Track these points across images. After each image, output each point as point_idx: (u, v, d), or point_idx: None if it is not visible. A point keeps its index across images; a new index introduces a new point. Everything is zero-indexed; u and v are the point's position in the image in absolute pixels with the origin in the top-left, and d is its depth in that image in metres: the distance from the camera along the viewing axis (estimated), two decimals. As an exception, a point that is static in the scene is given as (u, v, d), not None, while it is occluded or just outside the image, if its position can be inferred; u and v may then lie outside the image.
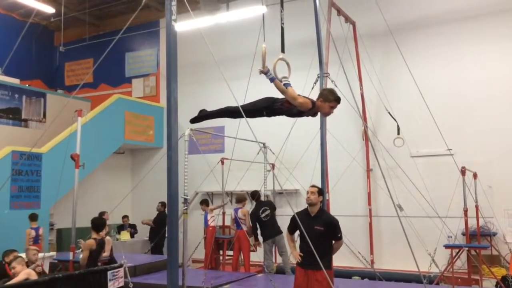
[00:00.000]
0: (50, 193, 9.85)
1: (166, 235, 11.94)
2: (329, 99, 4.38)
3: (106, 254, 7.22)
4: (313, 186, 5.33)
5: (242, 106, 4.27)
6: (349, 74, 9.64)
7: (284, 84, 4.66)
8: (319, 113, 4.58)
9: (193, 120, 4.82)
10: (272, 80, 4.25)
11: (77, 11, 13.89)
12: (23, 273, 5.93)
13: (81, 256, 6.75)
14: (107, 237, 7.49)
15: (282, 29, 4.79)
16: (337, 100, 4.41)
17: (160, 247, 11.63)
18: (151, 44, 14.35)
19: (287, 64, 4.72)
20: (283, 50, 4.84)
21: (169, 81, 3.64)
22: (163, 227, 11.64)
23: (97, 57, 4.79)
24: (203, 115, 4.82)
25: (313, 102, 4.36)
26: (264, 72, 4.24)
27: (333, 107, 4.43)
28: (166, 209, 11.79)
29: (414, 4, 10.80)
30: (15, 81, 12.90)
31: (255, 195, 9.55)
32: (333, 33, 8.84)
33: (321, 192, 5.32)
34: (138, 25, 13.19)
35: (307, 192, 5.23)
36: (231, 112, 4.63)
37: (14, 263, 6.03)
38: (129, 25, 4.89)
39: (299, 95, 4.31)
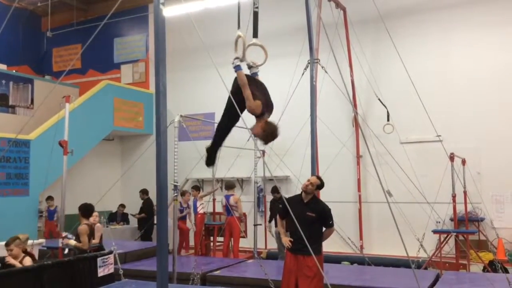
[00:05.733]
0: (39, 180, 9.77)
1: (155, 222, 11.84)
2: (268, 129, 4.18)
3: (96, 241, 7.20)
4: (317, 177, 5.33)
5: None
6: (340, 61, 9.59)
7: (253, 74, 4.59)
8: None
9: (209, 163, 4.75)
10: (237, 69, 4.12)
11: (65, -5, 13.69)
12: (27, 260, 5.89)
13: (73, 243, 6.70)
14: (98, 224, 7.46)
15: (255, 13, 4.72)
16: (273, 135, 4.20)
17: (149, 234, 11.63)
18: (139, 30, 14.17)
19: (263, 49, 4.62)
20: (255, 35, 4.75)
21: (157, 67, 3.60)
22: (152, 214, 11.67)
23: (85, 42, 4.73)
24: (212, 152, 4.69)
25: (263, 113, 4.19)
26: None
27: (259, 134, 4.21)
28: (149, 195, 11.80)
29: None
30: (2, 67, 12.71)
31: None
32: (324, 19, 8.77)
33: (320, 187, 5.31)
34: (126, 10, 13.03)
35: (308, 180, 5.23)
36: (223, 132, 4.56)
37: (12, 245, 5.92)
38: (118, 10, 4.82)
39: (256, 101, 4.14)
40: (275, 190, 9.42)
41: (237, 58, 4.17)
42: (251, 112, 4.17)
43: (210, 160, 4.68)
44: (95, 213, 7.31)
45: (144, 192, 11.99)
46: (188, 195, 9.95)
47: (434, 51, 10.44)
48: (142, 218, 11.91)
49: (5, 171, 9.78)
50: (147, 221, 11.65)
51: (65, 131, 7.28)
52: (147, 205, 11.89)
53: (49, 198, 10.43)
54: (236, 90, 4.20)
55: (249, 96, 4.09)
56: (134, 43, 14.33)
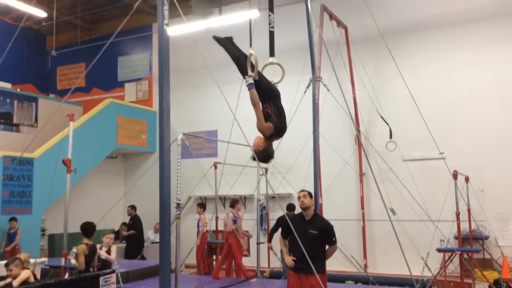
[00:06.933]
0: (42, 198, 9.78)
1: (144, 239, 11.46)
2: (266, 151, 4.24)
3: (112, 258, 7.12)
4: (302, 190, 5.34)
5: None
6: (342, 79, 9.65)
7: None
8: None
9: (216, 37, 4.63)
10: (250, 87, 4.08)
11: (69, 15, 13.84)
12: (25, 272, 5.98)
13: (73, 261, 6.68)
14: (114, 246, 7.36)
15: (271, 33, 4.76)
16: (266, 157, 4.29)
17: (139, 251, 11.45)
18: (143, 48, 14.31)
19: (281, 67, 4.63)
20: (272, 54, 4.78)
21: (161, 85, 3.64)
22: (141, 230, 11.57)
23: (90, 61, 4.81)
24: (224, 44, 4.60)
25: (271, 136, 4.21)
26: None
27: (257, 149, 4.22)
28: (136, 211, 11.60)
29: (405, 9, 10.87)
30: (6, 85, 12.83)
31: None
32: (326, 38, 8.86)
33: (311, 194, 5.33)
34: (130, 29, 13.16)
35: (299, 198, 5.24)
36: (238, 61, 4.41)
37: (11, 265, 5.98)
38: (122, 29, 4.88)
39: (268, 123, 4.12)
40: (292, 208, 9.22)
41: (250, 76, 4.13)
42: (260, 131, 4.17)
43: (220, 40, 4.63)
44: (110, 235, 7.28)
45: (132, 207, 11.82)
46: (240, 205, 9.47)
47: (435, 68, 10.48)
48: (131, 235, 11.62)
49: (8, 189, 9.78)
50: (136, 237, 11.52)
51: (69, 150, 7.32)
52: (136, 222, 11.75)
53: (13, 219, 9.54)
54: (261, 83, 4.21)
55: (260, 116, 4.08)
56: (138, 62, 14.45)
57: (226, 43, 4.55)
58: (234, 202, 9.35)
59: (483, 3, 10.17)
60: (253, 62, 4.17)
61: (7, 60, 12.72)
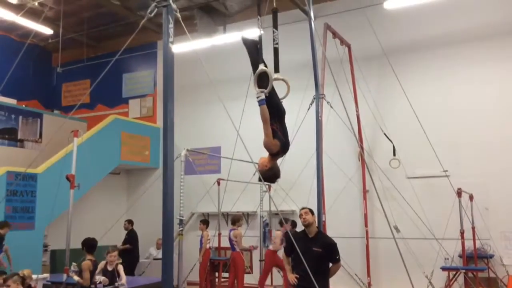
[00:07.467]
0: (45, 214, 9.77)
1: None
2: (271, 170, 4.28)
3: (123, 279, 7.06)
4: (303, 208, 5.34)
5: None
6: (345, 96, 9.68)
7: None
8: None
9: (243, 38, 4.62)
10: (261, 103, 4.02)
11: (75, 33, 13.99)
12: None
13: (76, 278, 6.66)
14: (120, 266, 7.31)
15: (276, 49, 4.80)
16: (272, 176, 4.34)
17: (133, 267, 11.31)
18: (148, 65, 14.42)
19: (286, 83, 4.66)
20: (277, 70, 4.81)
21: (165, 102, 3.66)
22: (137, 245, 11.49)
23: (95, 78, 4.86)
24: (248, 46, 4.58)
25: (277, 153, 4.21)
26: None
27: (262, 169, 4.26)
28: (133, 226, 11.56)
29: (408, 27, 10.93)
30: (11, 101, 12.91)
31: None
32: (329, 55, 8.91)
33: (313, 211, 5.33)
34: (135, 47, 13.29)
35: (300, 215, 5.23)
36: (255, 69, 4.35)
37: (9, 281, 5.95)
38: (127, 47, 4.92)
39: (274, 140, 4.10)
40: (293, 225, 9.16)
41: (262, 91, 4.07)
42: (267, 148, 4.17)
43: (246, 41, 4.61)
44: (114, 253, 7.21)
45: (129, 222, 11.80)
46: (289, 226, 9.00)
47: (439, 86, 10.49)
48: (125, 249, 11.45)
49: (11, 205, 9.78)
50: (131, 253, 11.46)
51: (73, 165, 7.34)
52: (131, 236, 11.71)
53: None
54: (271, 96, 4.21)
55: (269, 133, 4.06)
56: (143, 79, 14.55)
57: (251, 46, 4.55)
58: (287, 220, 9.22)
59: (486, 22, 10.22)
60: (269, 77, 4.16)
61: (13, 76, 12.82)
